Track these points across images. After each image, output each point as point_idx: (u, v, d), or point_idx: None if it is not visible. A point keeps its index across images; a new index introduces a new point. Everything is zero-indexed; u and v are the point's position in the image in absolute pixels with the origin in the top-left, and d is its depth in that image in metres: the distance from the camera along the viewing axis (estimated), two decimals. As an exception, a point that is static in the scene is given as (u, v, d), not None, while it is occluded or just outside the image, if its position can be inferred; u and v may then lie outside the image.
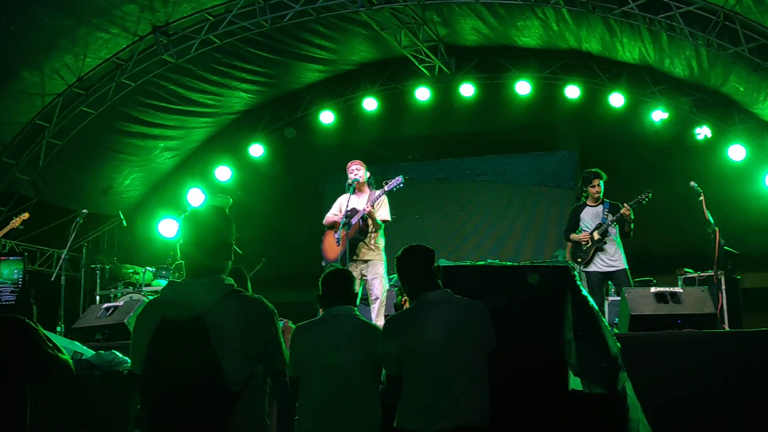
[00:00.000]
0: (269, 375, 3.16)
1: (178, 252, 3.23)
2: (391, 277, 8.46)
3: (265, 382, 3.17)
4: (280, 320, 3.59)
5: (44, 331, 3.79)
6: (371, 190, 8.11)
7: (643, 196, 8.26)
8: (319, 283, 4.59)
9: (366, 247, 7.88)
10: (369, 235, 7.87)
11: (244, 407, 2.98)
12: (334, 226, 8.04)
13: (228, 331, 2.99)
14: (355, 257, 7.85)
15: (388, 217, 8.03)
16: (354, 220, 7.84)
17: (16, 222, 9.19)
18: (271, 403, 3.22)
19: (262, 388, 3.15)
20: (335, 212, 8.17)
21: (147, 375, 3.04)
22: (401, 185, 7.94)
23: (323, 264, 8.12)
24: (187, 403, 2.94)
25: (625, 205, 8.16)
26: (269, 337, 3.14)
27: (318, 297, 4.60)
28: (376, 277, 7.84)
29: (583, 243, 8.36)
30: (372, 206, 7.84)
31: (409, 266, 4.34)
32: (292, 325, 4.73)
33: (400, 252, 4.40)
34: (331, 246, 7.99)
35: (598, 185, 8.43)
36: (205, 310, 3.00)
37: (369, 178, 8.20)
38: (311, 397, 4.29)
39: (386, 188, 7.92)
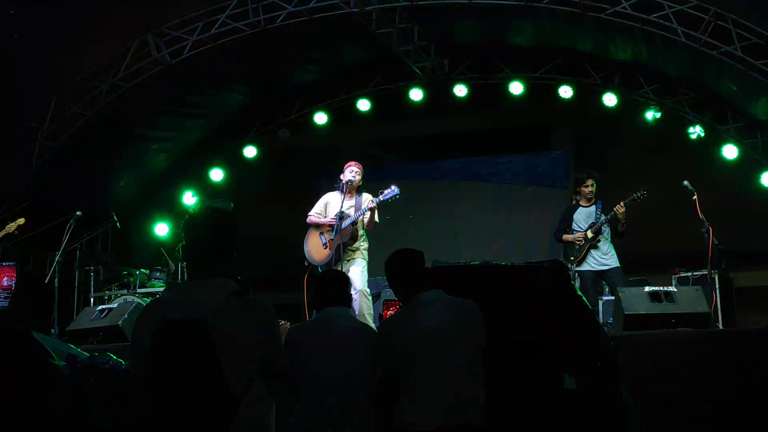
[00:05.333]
0: (268, 377, 3.14)
1: (180, 254, 3.25)
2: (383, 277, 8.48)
3: (266, 384, 3.17)
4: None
5: (36, 335, 3.77)
6: (359, 195, 8.10)
7: (638, 195, 8.31)
8: (314, 284, 4.59)
9: (351, 250, 7.90)
10: (358, 239, 7.88)
11: (247, 411, 2.96)
12: (318, 226, 8.00)
13: (230, 334, 2.97)
14: (341, 261, 7.84)
15: (377, 219, 8.00)
16: (345, 225, 7.81)
17: (11, 227, 9.13)
18: (270, 406, 3.21)
19: (264, 390, 3.14)
20: (319, 211, 8.11)
21: (148, 377, 3.03)
22: (396, 197, 7.84)
23: (306, 264, 8.09)
24: (188, 407, 2.92)
25: (621, 203, 8.21)
26: (271, 339, 3.13)
27: (312, 298, 4.59)
28: (358, 268, 7.79)
29: (576, 243, 8.39)
30: (372, 210, 7.80)
31: (400, 270, 4.36)
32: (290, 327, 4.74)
33: (389, 257, 4.42)
34: (317, 248, 7.94)
35: (591, 185, 8.47)
36: (207, 313, 2.98)
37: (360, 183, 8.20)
38: (306, 398, 4.29)
39: (381, 197, 7.81)
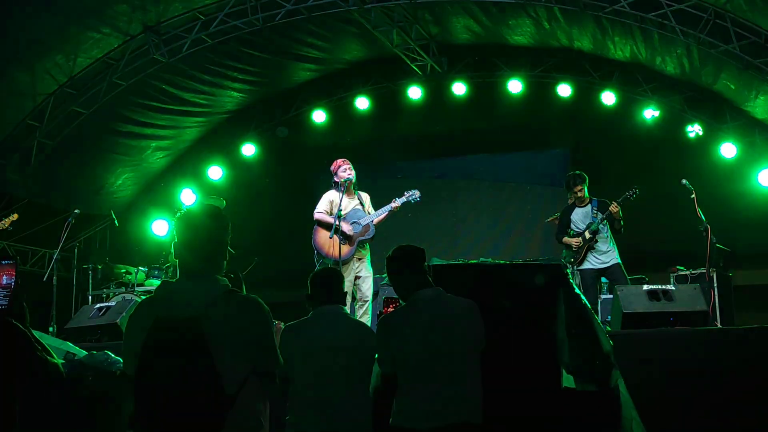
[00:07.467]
0: (262, 376, 3.14)
1: (173, 252, 3.22)
2: (382, 276, 8.55)
3: (260, 382, 3.16)
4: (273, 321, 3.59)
5: (35, 333, 3.76)
6: (357, 193, 8.16)
7: (631, 193, 8.28)
8: (308, 282, 4.59)
9: (363, 247, 8.01)
10: (370, 236, 8.01)
11: (241, 409, 2.95)
12: (328, 226, 8.03)
13: (224, 332, 2.96)
14: (353, 256, 7.95)
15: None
16: (365, 222, 7.92)
17: (5, 223, 9.09)
18: (265, 405, 3.20)
19: (258, 389, 3.14)
20: (326, 209, 8.14)
21: (141, 376, 3.01)
22: (418, 200, 8.02)
23: (316, 258, 8.14)
24: (182, 405, 2.91)
25: (613, 203, 8.19)
26: (265, 337, 3.12)
27: (307, 296, 4.59)
28: (369, 277, 7.94)
29: (575, 244, 8.39)
30: (394, 209, 7.97)
31: (401, 266, 4.34)
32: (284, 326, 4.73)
33: (390, 252, 4.40)
34: (328, 241, 7.96)
35: (580, 191, 8.45)
36: (200, 311, 2.97)
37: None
38: (302, 396, 4.29)
39: (405, 198, 7.99)
